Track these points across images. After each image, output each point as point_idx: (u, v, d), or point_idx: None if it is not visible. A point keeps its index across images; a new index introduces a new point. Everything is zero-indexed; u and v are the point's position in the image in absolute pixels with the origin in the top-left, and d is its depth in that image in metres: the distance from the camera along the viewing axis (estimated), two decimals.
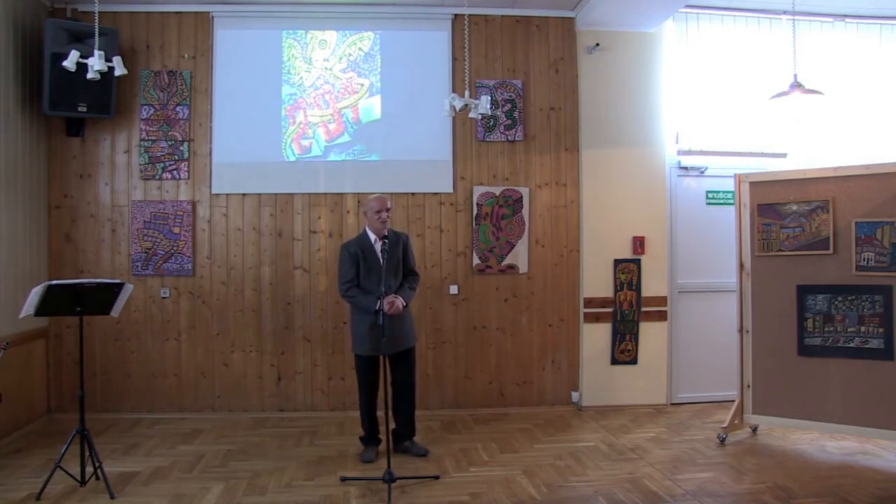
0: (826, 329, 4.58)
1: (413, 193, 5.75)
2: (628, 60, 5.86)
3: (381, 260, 4.29)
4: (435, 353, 5.73)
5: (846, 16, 6.15)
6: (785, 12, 5.78)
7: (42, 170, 5.40)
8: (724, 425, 4.85)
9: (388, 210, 4.48)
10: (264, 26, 5.69)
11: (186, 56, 5.62)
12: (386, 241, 4.32)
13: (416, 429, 4.65)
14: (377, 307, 4.22)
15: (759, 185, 4.90)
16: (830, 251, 4.56)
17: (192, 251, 5.56)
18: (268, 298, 5.63)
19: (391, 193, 5.65)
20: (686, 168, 5.99)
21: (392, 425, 4.46)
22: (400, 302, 4.36)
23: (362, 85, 5.75)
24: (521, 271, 5.79)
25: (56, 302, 3.79)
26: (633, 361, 5.82)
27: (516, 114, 5.80)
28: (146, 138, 5.56)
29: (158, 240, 5.53)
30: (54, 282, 3.83)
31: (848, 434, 4.60)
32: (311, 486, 3.99)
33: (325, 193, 5.69)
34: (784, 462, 4.38)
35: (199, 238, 5.59)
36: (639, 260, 5.82)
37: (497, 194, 5.77)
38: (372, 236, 4.50)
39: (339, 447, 4.73)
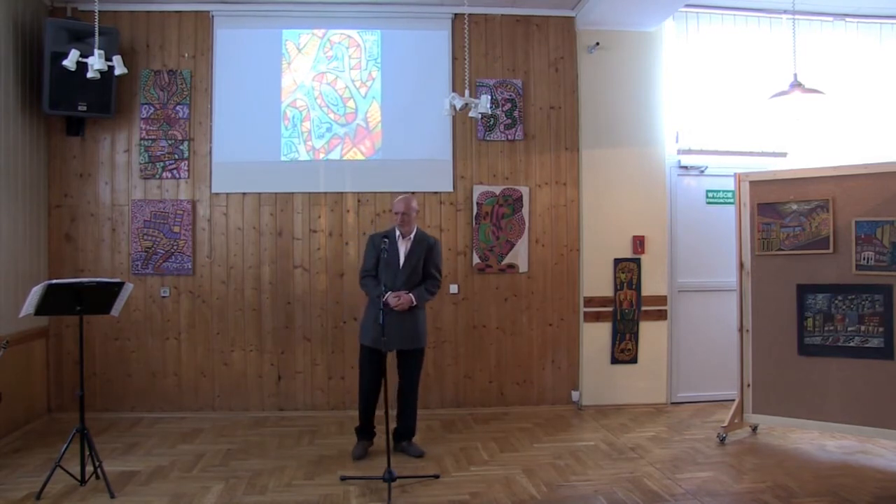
0: (826, 328, 4.58)
1: (413, 192, 5.73)
2: (628, 60, 5.86)
3: (400, 256, 4.43)
4: (435, 353, 5.73)
5: (846, 15, 6.15)
6: (785, 11, 5.78)
7: (42, 169, 5.40)
8: (724, 424, 4.85)
9: (404, 213, 4.49)
10: (264, 25, 5.68)
11: (186, 55, 5.62)
12: (385, 240, 4.34)
13: (415, 430, 4.65)
14: (382, 297, 4.26)
15: (759, 185, 4.90)
16: (830, 250, 4.56)
17: (192, 250, 5.55)
18: (268, 298, 5.63)
19: (391, 192, 5.66)
20: (686, 167, 5.99)
21: (393, 424, 4.46)
22: (408, 298, 4.37)
23: (362, 84, 5.75)
24: (521, 270, 5.79)
25: (56, 301, 3.79)
26: (633, 361, 5.81)
27: (516, 113, 5.80)
28: (146, 137, 5.56)
29: (158, 239, 5.53)
30: (54, 281, 3.83)
31: (848, 433, 4.60)
32: (311, 486, 3.99)
33: (325, 192, 5.68)
34: (784, 461, 4.38)
35: (199, 237, 5.59)
36: (639, 259, 5.82)
37: (497, 193, 5.76)
38: (397, 232, 4.56)
39: (339, 446, 4.72)
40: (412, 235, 4.55)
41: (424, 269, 4.56)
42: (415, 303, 4.43)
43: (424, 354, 4.69)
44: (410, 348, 4.52)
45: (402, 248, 4.51)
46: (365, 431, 4.60)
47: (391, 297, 4.34)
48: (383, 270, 4.42)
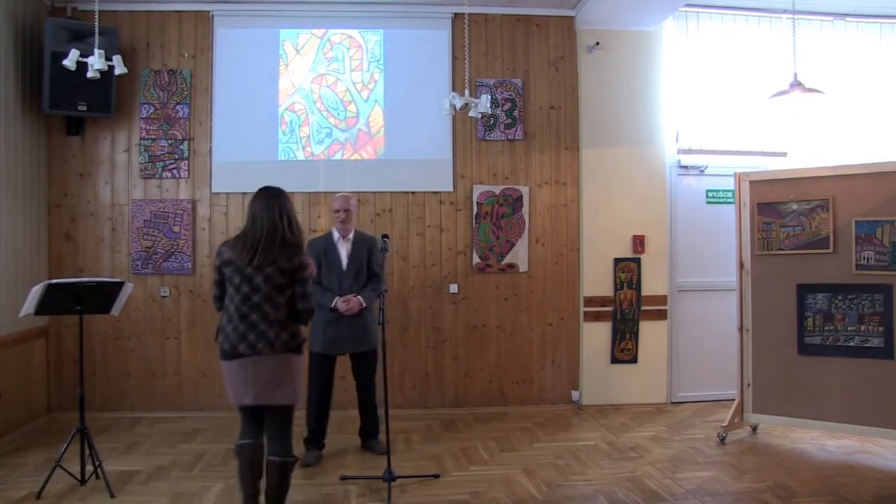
0: (826, 328, 4.58)
1: (413, 192, 5.75)
2: (628, 59, 5.86)
3: (342, 259, 4.40)
4: (435, 353, 5.73)
5: (846, 14, 6.14)
6: (785, 11, 5.78)
7: (42, 169, 5.40)
8: (724, 424, 4.85)
9: (346, 210, 4.45)
10: (264, 25, 5.68)
11: (186, 55, 5.62)
12: (385, 240, 4.29)
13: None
14: (332, 305, 4.30)
15: (759, 184, 4.90)
16: (830, 250, 4.56)
17: (192, 250, 5.55)
18: None
19: (391, 192, 5.67)
20: (686, 167, 5.99)
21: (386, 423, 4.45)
22: (357, 301, 4.35)
23: (364, 86, 5.75)
24: (521, 270, 5.79)
25: (56, 301, 3.79)
26: (633, 360, 5.81)
27: (516, 112, 5.80)
28: (146, 137, 5.56)
29: (158, 239, 5.53)
30: (54, 280, 3.83)
31: (848, 433, 4.60)
32: (311, 486, 3.98)
33: (325, 192, 5.68)
34: (784, 461, 4.38)
35: (199, 237, 5.59)
36: (639, 259, 5.82)
37: (497, 193, 5.76)
38: (336, 235, 4.51)
39: (339, 446, 4.72)
40: (351, 236, 4.48)
41: (368, 269, 4.49)
42: (363, 305, 4.39)
43: (377, 354, 4.44)
44: (363, 350, 4.48)
45: (344, 251, 4.45)
46: (317, 442, 4.49)
47: (340, 303, 4.33)
48: (326, 276, 4.41)
